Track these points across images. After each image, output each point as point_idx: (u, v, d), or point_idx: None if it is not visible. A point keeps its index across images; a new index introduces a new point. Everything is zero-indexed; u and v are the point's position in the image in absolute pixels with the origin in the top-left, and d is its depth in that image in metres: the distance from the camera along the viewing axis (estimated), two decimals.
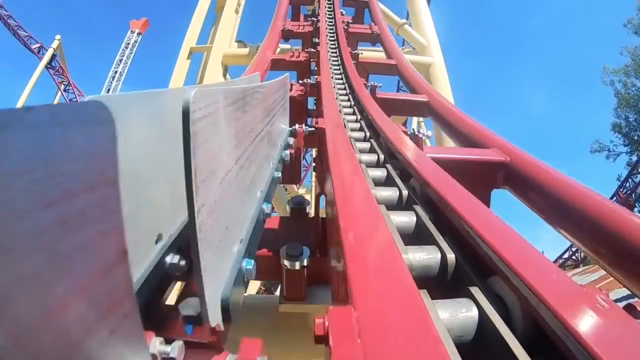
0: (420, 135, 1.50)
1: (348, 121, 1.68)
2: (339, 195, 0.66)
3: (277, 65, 3.54)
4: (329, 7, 4.89)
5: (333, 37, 4.04)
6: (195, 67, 6.72)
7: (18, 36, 25.42)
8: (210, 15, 7.30)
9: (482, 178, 1.58)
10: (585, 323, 0.37)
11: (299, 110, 2.60)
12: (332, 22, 4.47)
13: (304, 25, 4.40)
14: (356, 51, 3.44)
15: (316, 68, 3.63)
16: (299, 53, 3.59)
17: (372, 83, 2.47)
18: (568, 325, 0.37)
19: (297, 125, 1.54)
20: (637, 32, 18.64)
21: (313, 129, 1.52)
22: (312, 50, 3.52)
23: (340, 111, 1.77)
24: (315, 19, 4.39)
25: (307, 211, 1.78)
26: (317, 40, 4.06)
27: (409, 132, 1.51)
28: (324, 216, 1.34)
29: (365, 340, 0.33)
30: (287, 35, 4.33)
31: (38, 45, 26.33)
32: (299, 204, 1.62)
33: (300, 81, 2.70)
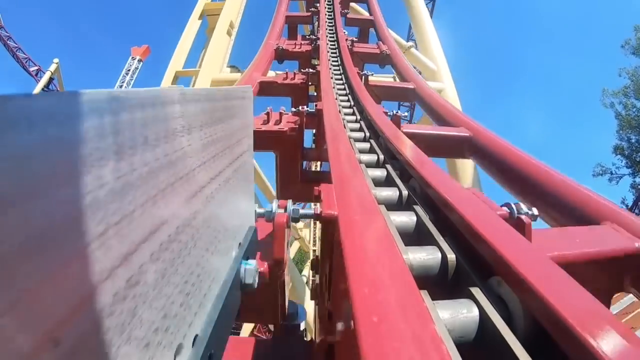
0: (525, 218, 0.73)
1: (384, 199, 0.85)
2: None
3: (267, 89, 2.84)
4: (329, 25, 4.28)
5: (336, 57, 3.39)
6: None
7: (17, 58, 25.51)
8: (201, 37, 6.78)
9: (605, 277, 0.87)
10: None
11: (291, 152, 1.85)
12: (334, 41, 3.83)
13: (301, 44, 3.75)
14: (365, 72, 2.75)
15: (315, 93, 2.95)
16: (294, 75, 2.91)
17: (395, 112, 1.73)
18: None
19: (273, 206, 0.72)
20: (636, 52, 18.66)
21: (310, 212, 0.70)
22: (311, 71, 2.84)
23: (363, 171, 0.97)
24: (314, 37, 3.77)
25: (302, 329, 1.06)
26: (316, 62, 3.41)
27: (507, 213, 0.73)
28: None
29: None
30: (281, 55, 3.67)
31: (36, 68, 26.44)
32: (289, 319, 1.01)
33: (294, 109, 1.97)
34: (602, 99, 20.02)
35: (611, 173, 18.77)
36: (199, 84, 5.17)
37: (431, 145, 1.80)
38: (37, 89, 23.87)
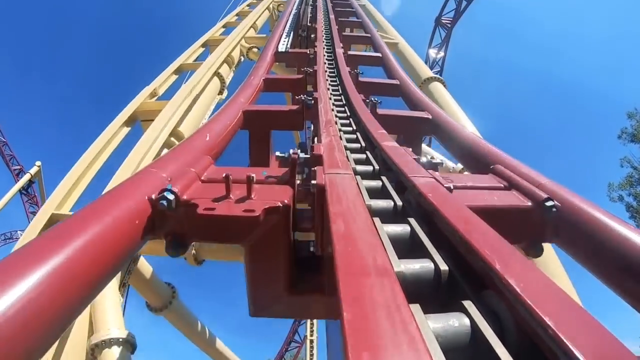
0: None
1: None
2: None
3: None
4: (341, 116, 1.85)
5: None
6: None
7: (1, 153, 24.10)
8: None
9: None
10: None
11: None
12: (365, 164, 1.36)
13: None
14: None
15: None
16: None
17: None
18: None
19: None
20: (634, 139, 17.84)
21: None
22: None
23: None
24: (298, 155, 1.27)
25: None
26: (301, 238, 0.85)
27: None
28: None
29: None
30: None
31: (18, 167, 24.87)
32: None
33: None
34: (609, 194, 18.47)
35: None
36: None
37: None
38: (13, 190, 21.37)
